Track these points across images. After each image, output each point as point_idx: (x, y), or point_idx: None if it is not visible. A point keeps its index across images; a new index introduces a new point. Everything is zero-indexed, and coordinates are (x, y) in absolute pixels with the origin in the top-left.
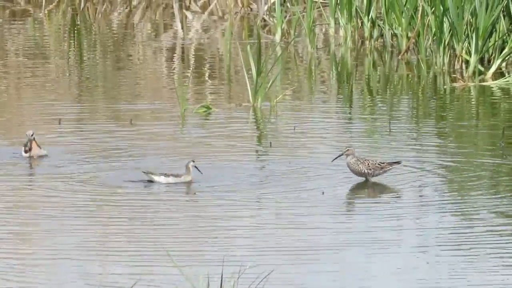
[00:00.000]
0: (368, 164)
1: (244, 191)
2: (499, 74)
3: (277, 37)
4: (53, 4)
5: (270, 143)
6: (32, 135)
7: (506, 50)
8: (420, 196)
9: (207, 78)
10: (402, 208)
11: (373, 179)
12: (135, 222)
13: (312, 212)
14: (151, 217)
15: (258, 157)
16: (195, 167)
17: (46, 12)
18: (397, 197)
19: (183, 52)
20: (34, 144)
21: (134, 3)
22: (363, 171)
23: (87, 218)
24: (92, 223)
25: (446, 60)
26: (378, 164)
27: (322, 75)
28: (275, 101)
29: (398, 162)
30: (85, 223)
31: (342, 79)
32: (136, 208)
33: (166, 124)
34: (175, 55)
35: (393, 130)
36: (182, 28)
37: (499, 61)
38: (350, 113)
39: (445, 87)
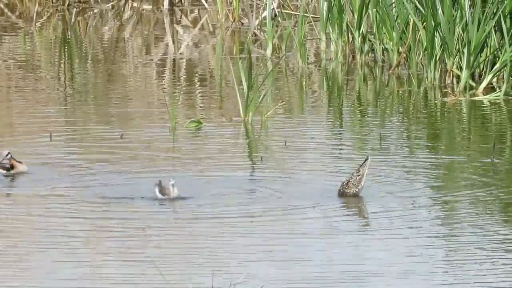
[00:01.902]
0: (352, 183)
1: (235, 205)
2: (490, 88)
3: (268, 51)
4: (44, 18)
5: (261, 157)
6: (7, 155)
7: (497, 65)
8: (412, 208)
9: (198, 93)
10: (393, 229)
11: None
12: (125, 238)
13: (302, 228)
14: (141, 233)
15: (248, 172)
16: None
17: (37, 26)
18: (388, 215)
19: (174, 67)
20: (14, 162)
21: (125, 17)
22: (354, 191)
23: (77, 237)
24: (81, 241)
25: (437, 75)
26: (356, 175)
27: (313, 89)
28: (266, 115)
29: (366, 159)
30: (75, 241)
31: (333, 94)
32: (125, 224)
33: (157, 138)
34: (166, 69)
35: (384, 145)
36: (173, 42)
37: (490, 76)
38: (341, 128)
39: (436, 101)
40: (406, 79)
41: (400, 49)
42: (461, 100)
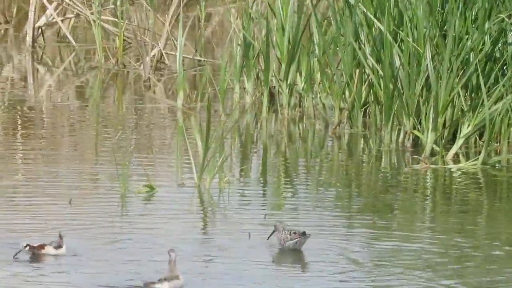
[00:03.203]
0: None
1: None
2: (454, 155)
3: (179, 101)
4: None
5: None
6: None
7: (469, 128)
8: None
9: (151, 154)
10: None
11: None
12: None
13: None
14: None
15: (197, 243)
16: None
17: None
18: None
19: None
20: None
21: None
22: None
23: None
24: None
25: (394, 137)
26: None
27: (244, 148)
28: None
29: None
30: None
31: (268, 157)
32: None
33: (106, 205)
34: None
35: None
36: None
37: (461, 140)
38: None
39: (406, 169)
40: (349, 140)
41: (342, 105)
42: (432, 168)
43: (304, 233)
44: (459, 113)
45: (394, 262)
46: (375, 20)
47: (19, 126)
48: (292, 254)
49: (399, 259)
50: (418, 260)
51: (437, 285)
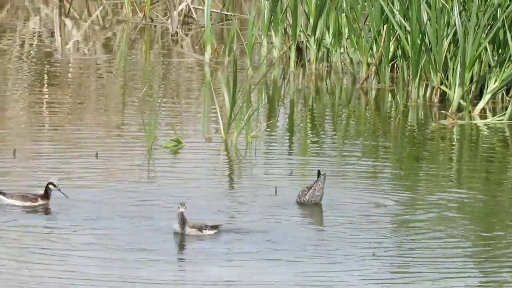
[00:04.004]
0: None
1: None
2: (481, 109)
3: (207, 56)
4: None
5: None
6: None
7: (496, 83)
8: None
9: (178, 108)
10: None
11: None
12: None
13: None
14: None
15: (223, 198)
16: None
17: None
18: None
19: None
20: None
21: None
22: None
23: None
24: None
25: (422, 92)
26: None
27: (271, 102)
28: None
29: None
30: None
31: (296, 109)
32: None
33: (132, 159)
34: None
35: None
36: (86, 40)
37: (488, 96)
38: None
39: (433, 124)
40: (377, 94)
41: (369, 60)
42: (459, 124)
43: (319, 173)
44: (486, 68)
45: (421, 214)
46: None
47: (47, 78)
48: (314, 206)
49: (426, 209)
50: (451, 209)
51: (471, 233)
